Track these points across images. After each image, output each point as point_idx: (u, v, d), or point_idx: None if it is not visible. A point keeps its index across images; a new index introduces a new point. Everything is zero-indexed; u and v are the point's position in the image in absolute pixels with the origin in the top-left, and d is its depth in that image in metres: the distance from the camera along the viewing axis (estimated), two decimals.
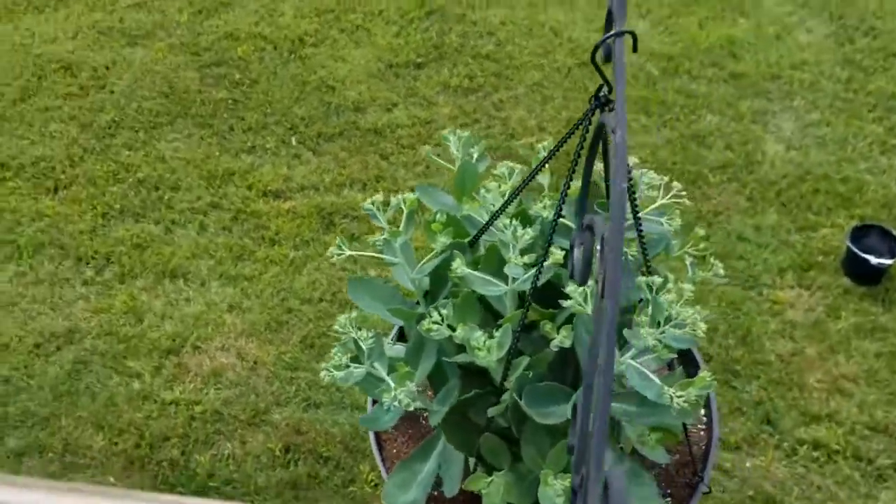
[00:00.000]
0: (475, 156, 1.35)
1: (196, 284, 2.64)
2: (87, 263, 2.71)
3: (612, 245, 0.66)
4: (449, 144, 1.36)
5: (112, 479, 2.19)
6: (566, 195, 1.08)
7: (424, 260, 1.21)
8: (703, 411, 1.37)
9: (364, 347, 1.10)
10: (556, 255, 1.07)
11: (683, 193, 1.18)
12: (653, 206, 1.18)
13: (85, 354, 2.46)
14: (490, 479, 1.10)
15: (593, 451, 0.57)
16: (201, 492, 2.16)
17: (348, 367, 1.08)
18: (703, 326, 1.01)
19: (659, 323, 1.01)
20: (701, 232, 1.20)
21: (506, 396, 1.11)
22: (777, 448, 2.23)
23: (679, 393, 0.99)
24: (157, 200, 2.92)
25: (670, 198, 1.18)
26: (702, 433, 1.38)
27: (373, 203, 1.22)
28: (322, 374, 1.09)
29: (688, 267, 1.21)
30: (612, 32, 0.82)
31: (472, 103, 3.27)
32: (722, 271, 1.20)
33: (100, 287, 2.64)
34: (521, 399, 1.06)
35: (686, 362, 1.36)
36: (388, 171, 3.01)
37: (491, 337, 1.07)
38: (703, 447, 1.35)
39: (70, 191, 2.96)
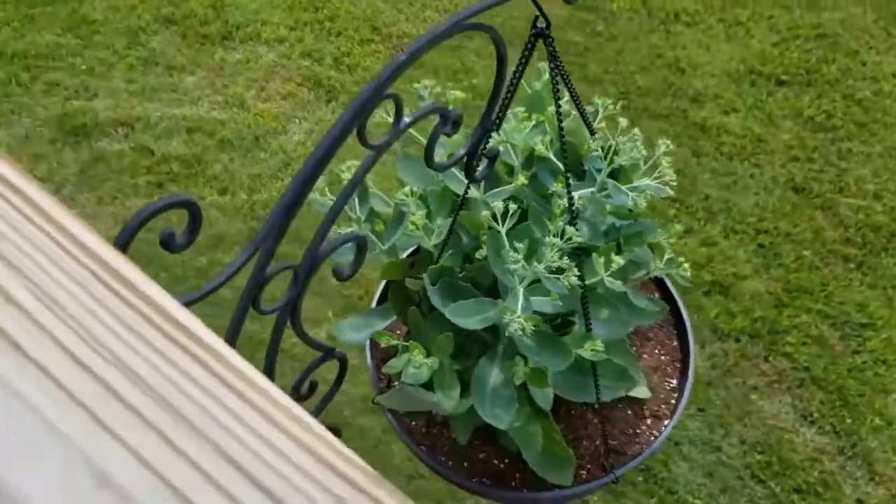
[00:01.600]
0: None
1: None
2: None
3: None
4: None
5: None
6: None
7: None
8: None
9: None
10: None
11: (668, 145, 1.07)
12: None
13: None
14: (398, 343, 1.07)
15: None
16: None
17: None
18: (671, 174, 1.01)
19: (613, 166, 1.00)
20: (679, 227, 1.10)
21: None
22: None
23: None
24: None
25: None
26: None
27: None
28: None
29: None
30: None
31: (815, 140, 3.01)
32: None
33: None
34: (433, 286, 1.01)
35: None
36: (693, 170, 2.90)
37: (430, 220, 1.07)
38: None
39: None
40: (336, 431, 0.84)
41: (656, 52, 3.32)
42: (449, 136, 0.72)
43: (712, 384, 2.39)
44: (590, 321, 0.99)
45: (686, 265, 1.07)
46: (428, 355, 0.98)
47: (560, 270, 0.90)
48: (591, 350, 0.95)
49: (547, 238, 0.91)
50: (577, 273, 0.91)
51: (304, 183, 0.59)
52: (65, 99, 3.21)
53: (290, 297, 0.67)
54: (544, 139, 1.07)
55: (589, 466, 1.15)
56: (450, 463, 1.17)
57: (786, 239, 2.71)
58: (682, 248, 2.67)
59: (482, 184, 1.02)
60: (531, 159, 1.08)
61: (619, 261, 0.94)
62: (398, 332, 1.20)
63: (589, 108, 1.13)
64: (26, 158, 3.00)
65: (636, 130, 1.03)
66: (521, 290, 0.92)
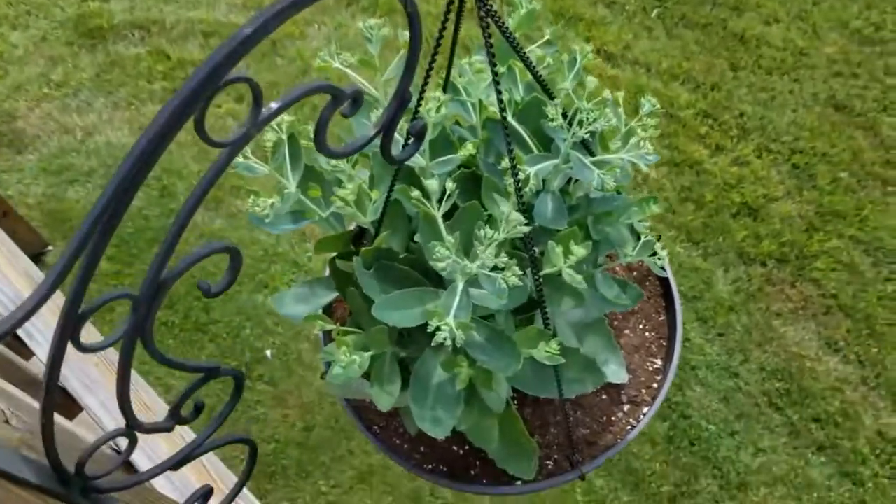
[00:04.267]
0: None
1: None
2: None
3: None
4: None
5: None
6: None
7: None
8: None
9: None
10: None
11: (656, 105, 0.87)
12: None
13: None
14: (333, 328, 0.94)
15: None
16: None
17: None
18: (649, 148, 0.82)
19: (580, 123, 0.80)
20: (656, 208, 0.89)
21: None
22: None
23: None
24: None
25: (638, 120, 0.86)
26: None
27: None
28: None
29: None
30: None
31: (861, 54, 2.84)
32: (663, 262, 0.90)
33: None
34: (366, 270, 0.87)
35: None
36: (729, 84, 2.75)
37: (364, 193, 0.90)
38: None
39: None
40: (248, 442, 0.74)
41: None
42: (347, 116, 0.53)
43: (734, 309, 2.32)
44: (547, 316, 0.84)
45: (664, 253, 0.89)
46: (366, 349, 0.84)
47: (501, 268, 0.74)
48: (547, 352, 0.80)
49: (482, 231, 0.74)
50: (518, 272, 0.74)
51: (124, 190, 0.44)
52: (81, 0, 3.12)
53: (131, 328, 0.52)
54: (511, 93, 0.91)
55: (556, 457, 1.03)
56: (405, 447, 1.05)
57: (822, 159, 2.58)
58: (712, 166, 2.56)
59: (427, 150, 0.85)
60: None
61: (579, 251, 0.79)
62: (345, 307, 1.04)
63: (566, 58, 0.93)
64: (43, 62, 2.94)
65: (607, 92, 0.85)
66: (460, 286, 0.76)
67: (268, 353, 2.30)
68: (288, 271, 2.42)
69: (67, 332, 0.49)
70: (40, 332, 1.39)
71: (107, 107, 2.81)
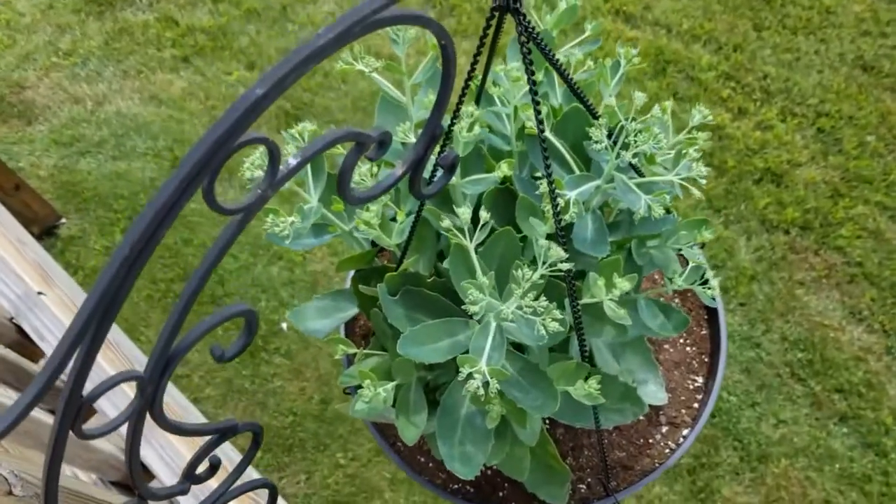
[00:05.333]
0: None
1: None
2: None
3: None
4: None
5: None
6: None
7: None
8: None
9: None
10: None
11: (708, 116, 0.78)
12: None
13: None
14: (364, 353, 0.90)
15: None
16: None
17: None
18: (700, 170, 0.74)
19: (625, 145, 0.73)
20: (708, 234, 0.80)
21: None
22: None
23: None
24: None
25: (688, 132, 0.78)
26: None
27: None
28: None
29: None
30: None
31: (891, 12, 2.74)
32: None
33: None
34: (391, 297, 0.81)
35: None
36: (753, 45, 2.67)
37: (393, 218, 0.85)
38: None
39: None
40: (269, 486, 0.69)
41: None
42: (373, 160, 0.48)
43: (756, 278, 2.28)
44: (586, 348, 0.77)
45: (715, 282, 0.80)
46: (389, 374, 0.79)
47: (537, 313, 0.68)
48: (584, 391, 0.74)
49: (519, 272, 0.68)
50: (559, 317, 0.68)
51: (129, 265, 0.40)
52: None
53: (136, 409, 0.48)
54: (548, 102, 0.84)
55: (589, 480, 0.97)
56: (429, 465, 0.99)
57: (848, 123, 2.51)
58: (734, 131, 2.49)
59: (459, 168, 0.79)
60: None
61: (623, 285, 0.74)
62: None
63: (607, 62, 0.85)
64: (50, 30, 2.89)
65: (655, 109, 0.77)
66: (493, 325, 0.70)
67: (283, 325, 2.28)
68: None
69: (68, 421, 0.44)
70: (50, 332, 1.36)
71: (116, 75, 2.77)
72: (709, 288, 0.80)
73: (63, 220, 2.45)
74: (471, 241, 0.72)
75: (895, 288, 2.23)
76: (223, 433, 0.57)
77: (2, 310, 1.42)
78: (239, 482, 0.65)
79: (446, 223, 0.74)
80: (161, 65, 2.77)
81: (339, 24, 0.41)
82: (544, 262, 0.69)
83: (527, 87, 0.71)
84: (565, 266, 0.68)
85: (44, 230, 2.40)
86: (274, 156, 0.44)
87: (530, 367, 0.75)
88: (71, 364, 0.41)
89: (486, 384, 0.66)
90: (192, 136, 2.59)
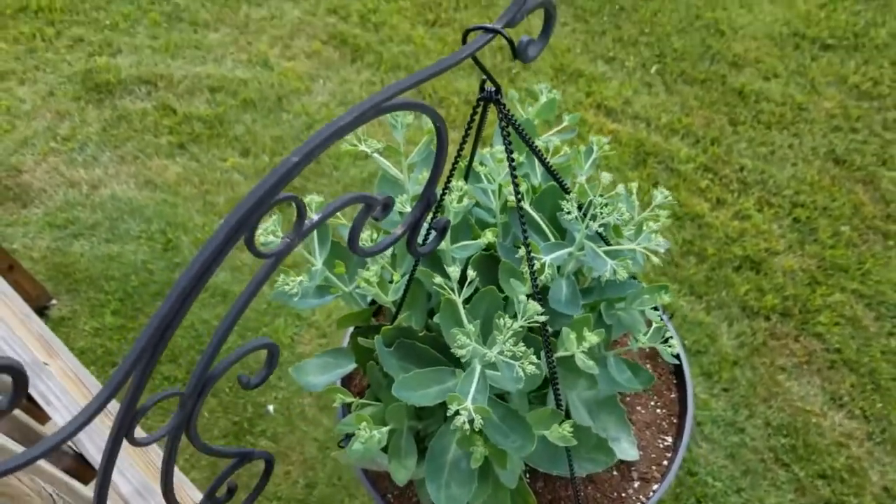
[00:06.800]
0: None
1: None
2: None
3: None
4: None
5: None
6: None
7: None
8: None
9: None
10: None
11: (668, 197, 0.89)
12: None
13: None
14: (360, 402, 0.97)
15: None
16: None
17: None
18: (659, 242, 0.84)
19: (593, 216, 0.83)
20: (667, 297, 0.90)
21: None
22: None
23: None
24: (496, 73, 2.98)
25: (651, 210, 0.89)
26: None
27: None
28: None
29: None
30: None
31: (860, 109, 2.88)
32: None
33: None
34: (386, 349, 0.90)
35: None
36: (729, 139, 2.79)
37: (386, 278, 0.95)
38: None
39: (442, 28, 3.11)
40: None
41: (695, 13, 3.18)
42: (378, 219, 0.58)
43: (738, 363, 2.32)
44: (561, 400, 0.86)
45: (674, 341, 0.91)
46: (383, 421, 0.86)
47: (517, 357, 0.77)
48: (559, 434, 0.82)
49: (501, 319, 0.77)
50: (535, 360, 0.77)
51: (183, 298, 0.47)
52: (88, 55, 3.17)
53: (176, 425, 0.56)
54: (528, 181, 0.95)
55: None
56: None
57: (823, 213, 2.60)
58: (713, 220, 2.58)
59: (448, 235, 0.89)
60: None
61: (592, 338, 0.82)
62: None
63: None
64: (50, 116, 2.98)
65: (620, 188, 0.88)
66: (477, 370, 0.79)
67: (270, 408, 2.29)
68: (291, 324, 2.42)
69: (124, 430, 0.52)
70: (57, 398, 1.39)
71: (113, 160, 2.84)
72: (670, 346, 0.88)
73: (54, 301, 2.47)
74: (459, 296, 0.81)
75: (874, 374, 2.28)
76: (242, 457, 0.67)
77: None
78: None
79: (438, 280, 0.83)
80: (157, 151, 2.85)
81: (358, 108, 0.50)
82: (523, 315, 0.76)
83: (504, 170, 0.81)
84: (541, 318, 0.76)
85: (35, 310, 2.41)
86: (301, 211, 0.53)
87: (511, 413, 0.83)
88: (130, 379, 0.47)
89: (471, 422, 0.73)
90: (186, 220, 2.64)
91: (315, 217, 0.53)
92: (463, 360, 0.78)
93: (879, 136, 2.79)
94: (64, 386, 1.36)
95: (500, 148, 0.91)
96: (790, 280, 2.46)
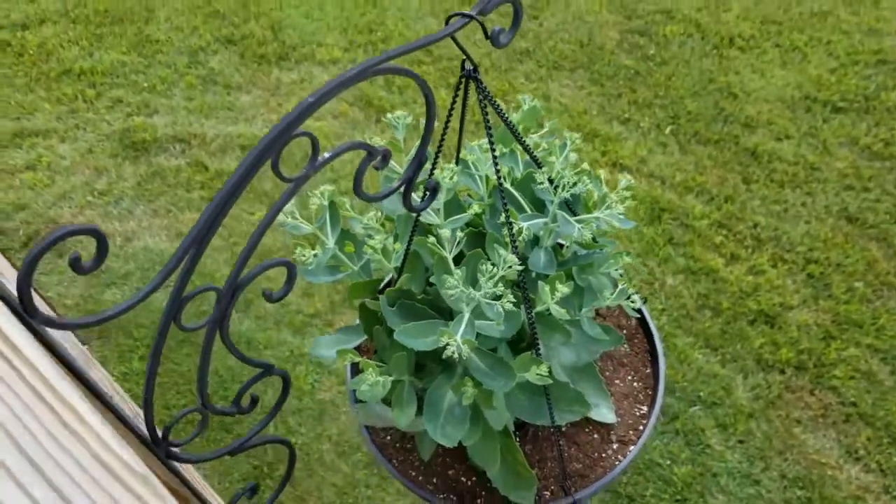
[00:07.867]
0: None
1: None
2: None
3: None
4: None
5: None
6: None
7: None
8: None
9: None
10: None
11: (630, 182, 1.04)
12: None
13: None
14: (360, 360, 1.06)
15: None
16: None
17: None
18: (619, 209, 0.99)
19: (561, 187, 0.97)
20: (628, 259, 1.03)
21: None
22: None
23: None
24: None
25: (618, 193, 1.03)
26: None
27: None
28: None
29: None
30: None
31: (872, 169, 2.94)
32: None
33: None
34: (390, 308, 1.03)
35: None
36: (743, 196, 2.85)
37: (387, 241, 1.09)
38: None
39: None
40: (286, 443, 0.89)
41: (708, 77, 3.28)
42: (378, 169, 0.72)
43: (754, 416, 2.34)
44: (538, 345, 0.99)
45: (636, 297, 1.05)
46: (389, 373, 0.99)
47: (499, 297, 0.91)
48: (537, 374, 0.94)
49: (484, 266, 0.90)
50: (513, 300, 0.90)
51: (224, 201, 0.61)
52: (127, 115, 3.33)
53: (214, 318, 0.68)
54: (511, 169, 1.08)
55: (553, 488, 1.17)
56: (419, 479, 1.20)
57: (836, 269, 2.64)
58: (727, 275, 2.62)
59: (441, 210, 1.03)
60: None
61: (563, 289, 0.94)
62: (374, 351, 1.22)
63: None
64: (88, 172, 3.12)
65: (585, 165, 1.02)
66: (466, 314, 0.92)
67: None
68: (312, 371, 2.49)
69: (173, 312, 0.65)
70: None
71: (146, 214, 2.96)
72: (632, 302, 1.03)
73: (86, 347, 2.55)
74: (449, 252, 0.95)
75: (890, 428, 2.28)
76: (266, 368, 0.80)
77: None
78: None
79: (431, 240, 0.97)
80: (189, 205, 2.96)
81: (359, 66, 0.65)
82: (503, 265, 0.90)
83: (488, 160, 0.98)
84: (518, 268, 0.90)
85: None
86: (315, 145, 0.65)
87: (497, 360, 0.96)
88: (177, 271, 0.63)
89: (460, 356, 0.87)
90: (214, 270, 2.74)
91: (326, 155, 0.66)
92: (454, 307, 0.92)
93: (892, 194, 2.84)
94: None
95: (485, 140, 1.05)
96: (805, 334, 2.49)
